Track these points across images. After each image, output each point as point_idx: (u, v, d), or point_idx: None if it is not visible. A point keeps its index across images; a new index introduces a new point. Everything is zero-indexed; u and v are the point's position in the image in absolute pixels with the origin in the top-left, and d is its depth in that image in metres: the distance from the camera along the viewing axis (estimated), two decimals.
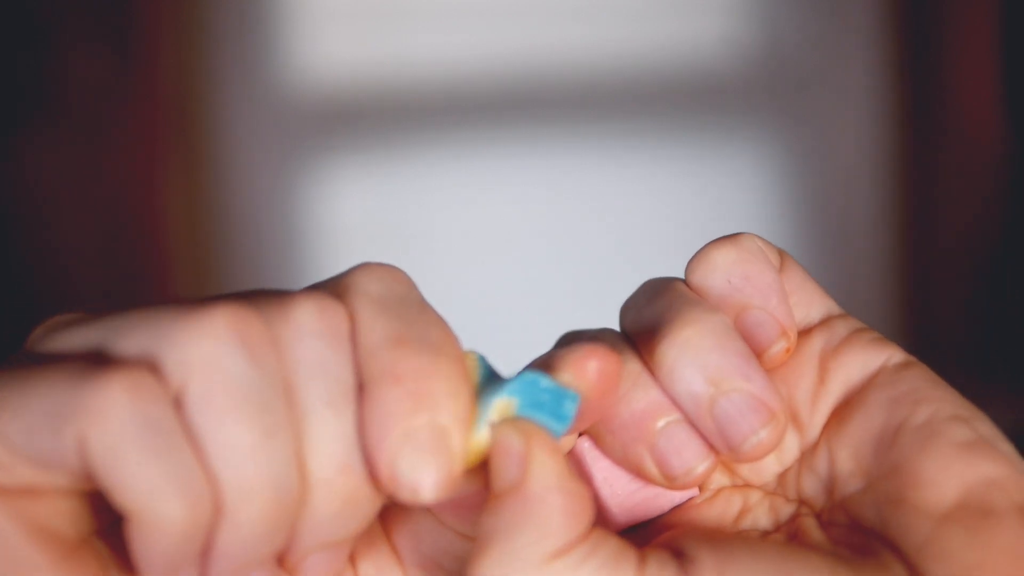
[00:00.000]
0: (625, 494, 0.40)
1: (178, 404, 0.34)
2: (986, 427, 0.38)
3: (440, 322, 0.37)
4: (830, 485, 0.39)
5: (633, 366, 0.39)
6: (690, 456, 0.38)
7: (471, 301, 1.65)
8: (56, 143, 1.57)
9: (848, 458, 0.39)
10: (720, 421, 0.38)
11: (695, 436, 0.38)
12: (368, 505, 0.35)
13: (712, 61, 1.67)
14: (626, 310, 0.41)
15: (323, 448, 0.35)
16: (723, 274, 0.39)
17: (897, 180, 1.65)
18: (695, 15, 1.67)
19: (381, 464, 0.34)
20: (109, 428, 0.33)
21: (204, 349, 0.34)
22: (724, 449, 0.38)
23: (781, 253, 0.41)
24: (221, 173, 1.67)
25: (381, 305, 0.36)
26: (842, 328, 0.40)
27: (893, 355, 0.39)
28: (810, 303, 0.40)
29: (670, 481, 0.39)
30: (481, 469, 0.36)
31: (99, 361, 0.34)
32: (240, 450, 0.34)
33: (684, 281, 0.40)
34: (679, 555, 0.37)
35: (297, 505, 0.35)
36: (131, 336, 0.34)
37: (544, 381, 0.37)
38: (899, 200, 1.65)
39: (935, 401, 0.38)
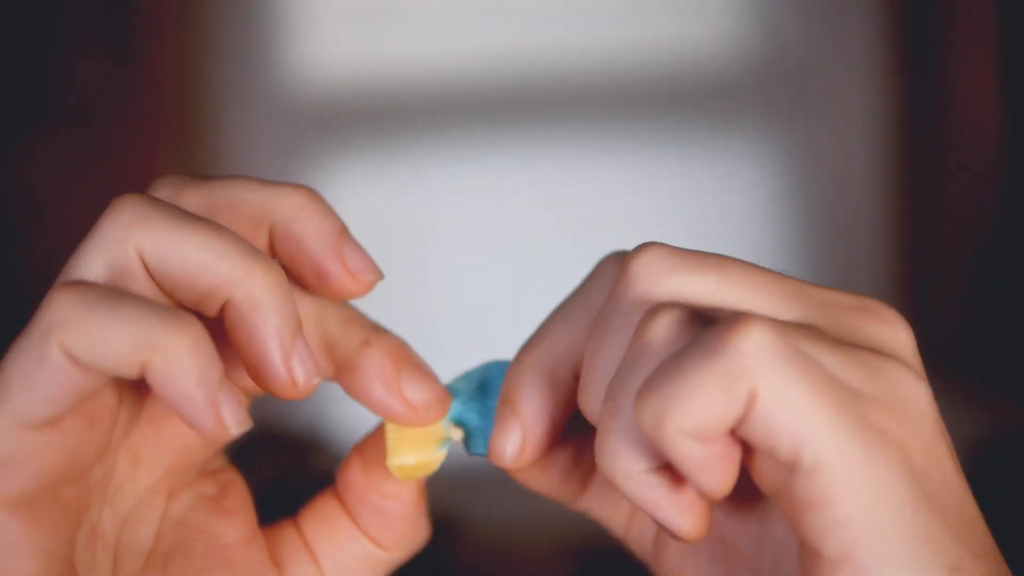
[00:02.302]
0: None
1: (155, 274, 0.39)
2: None
3: None
4: None
5: None
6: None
7: (472, 300, 1.65)
8: (57, 144, 1.57)
9: None
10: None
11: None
12: None
13: (712, 61, 1.67)
14: None
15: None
16: None
17: (896, 180, 1.65)
18: (695, 15, 1.67)
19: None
20: (75, 324, 0.37)
21: (126, 217, 0.40)
22: None
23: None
24: (221, 173, 1.67)
25: None
26: None
27: None
28: None
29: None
30: (403, 485, 0.42)
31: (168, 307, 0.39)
32: (211, 243, 0.38)
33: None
34: None
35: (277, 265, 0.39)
36: (83, 268, 0.41)
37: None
38: (898, 200, 1.65)
39: None
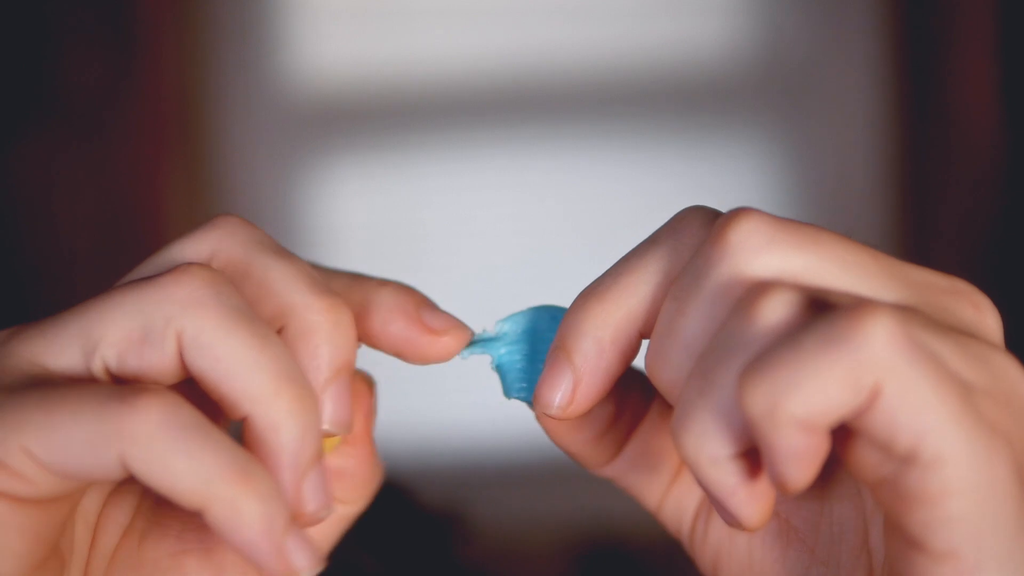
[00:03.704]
0: None
1: (187, 359, 0.38)
2: None
3: None
4: None
5: None
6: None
7: (472, 300, 1.65)
8: (57, 144, 1.57)
9: None
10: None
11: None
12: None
13: (713, 61, 1.67)
14: None
15: (291, 287, 0.40)
16: None
17: (896, 179, 1.65)
18: (695, 15, 1.67)
19: None
20: (149, 445, 0.36)
21: (183, 293, 0.38)
22: None
23: None
24: (221, 173, 1.67)
25: None
26: None
27: None
28: None
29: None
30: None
31: (116, 385, 0.37)
32: (249, 357, 0.37)
33: None
34: None
35: (313, 394, 0.39)
36: (111, 329, 0.38)
37: None
38: (899, 200, 1.65)
39: None
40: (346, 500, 0.43)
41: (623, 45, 1.67)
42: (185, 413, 0.36)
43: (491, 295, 1.65)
